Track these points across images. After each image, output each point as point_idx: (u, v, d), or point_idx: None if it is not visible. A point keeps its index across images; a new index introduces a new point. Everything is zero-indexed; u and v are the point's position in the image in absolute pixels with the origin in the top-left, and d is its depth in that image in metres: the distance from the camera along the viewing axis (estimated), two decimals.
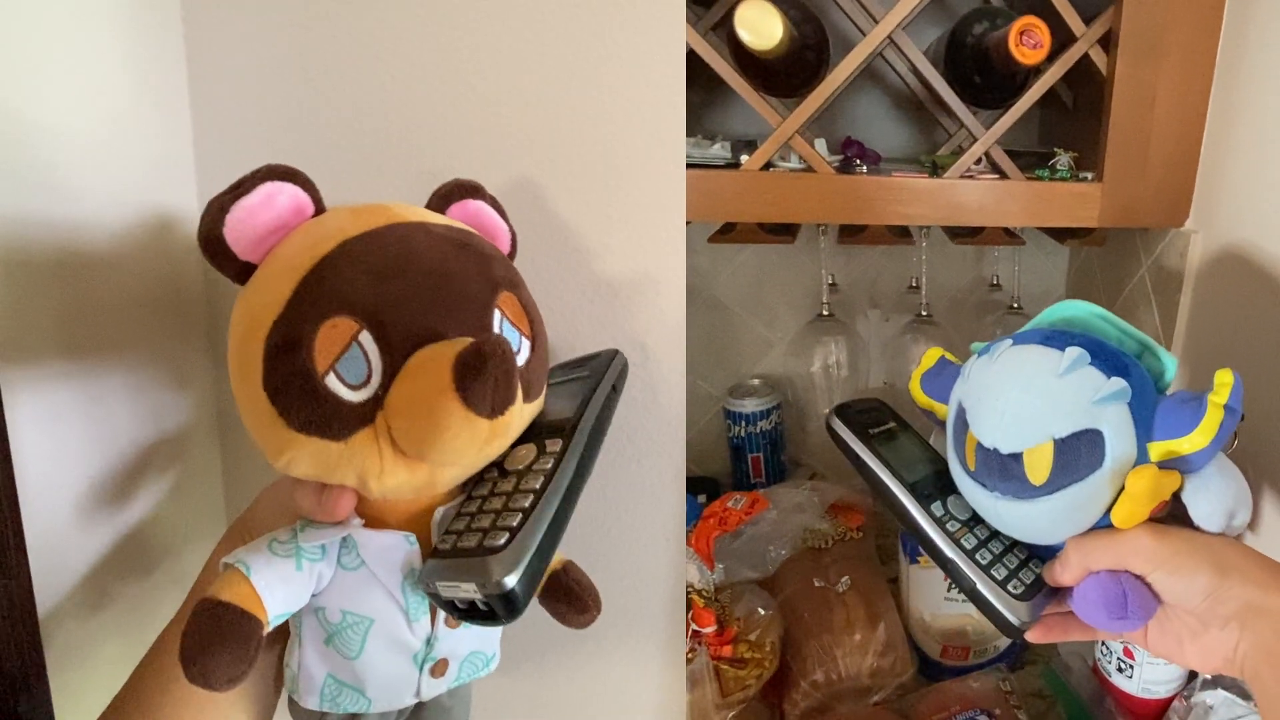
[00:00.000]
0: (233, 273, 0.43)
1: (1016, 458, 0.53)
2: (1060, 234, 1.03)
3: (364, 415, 0.41)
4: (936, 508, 0.59)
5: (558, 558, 0.54)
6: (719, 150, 0.81)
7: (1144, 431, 0.52)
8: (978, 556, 0.57)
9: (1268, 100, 0.73)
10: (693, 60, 0.72)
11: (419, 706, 0.52)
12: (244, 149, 0.62)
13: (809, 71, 0.88)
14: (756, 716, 0.93)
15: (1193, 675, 0.86)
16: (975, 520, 0.59)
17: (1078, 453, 0.51)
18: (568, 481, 0.46)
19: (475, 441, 0.43)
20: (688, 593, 0.90)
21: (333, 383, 0.41)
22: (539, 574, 0.44)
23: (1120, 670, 0.89)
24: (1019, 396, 0.53)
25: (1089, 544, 0.54)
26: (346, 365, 0.41)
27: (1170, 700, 0.87)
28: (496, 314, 0.46)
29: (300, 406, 0.41)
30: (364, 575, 0.46)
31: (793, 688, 0.93)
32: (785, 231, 1.02)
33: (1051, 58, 0.79)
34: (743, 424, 1.19)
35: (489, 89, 0.62)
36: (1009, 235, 1.02)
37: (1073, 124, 0.97)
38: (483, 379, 0.40)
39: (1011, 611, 0.55)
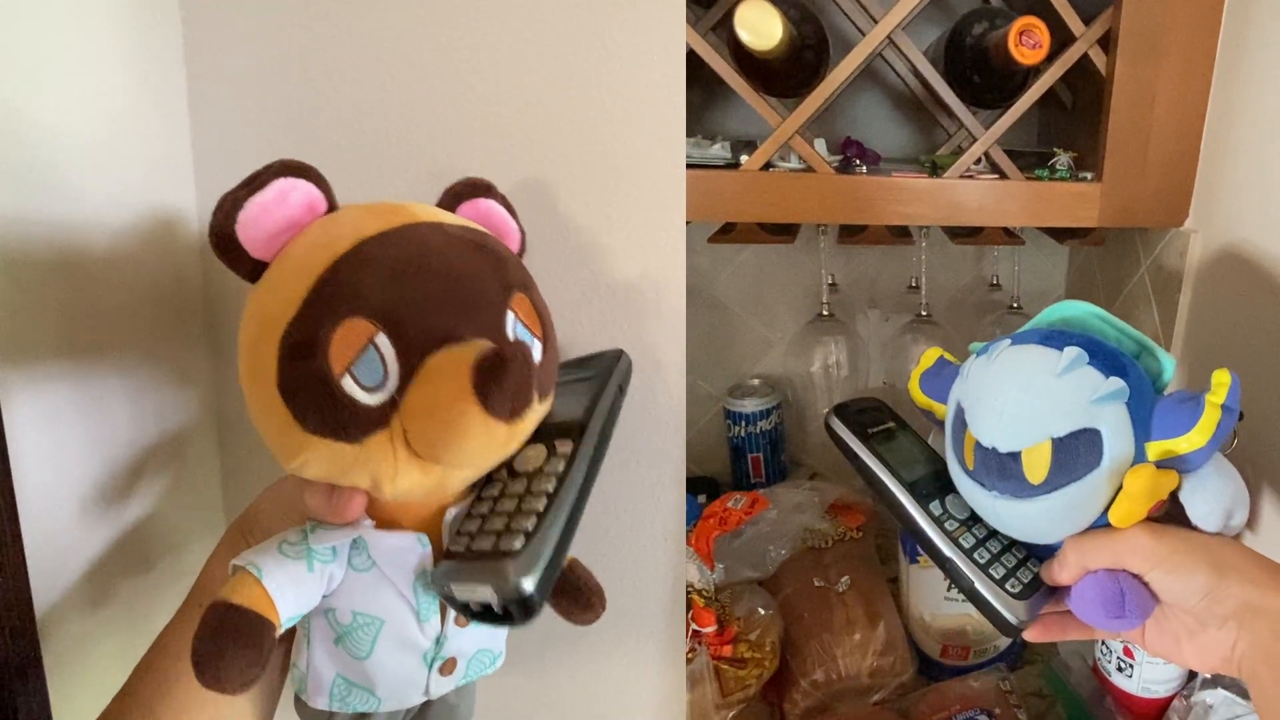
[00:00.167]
0: (245, 271, 0.42)
1: (1015, 457, 0.53)
2: (1060, 234, 1.03)
3: (380, 418, 0.41)
4: (935, 507, 0.59)
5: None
6: (719, 150, 0.81)
7: (1142, 431, 0.52)
8: (976, 555, 0.57)
9: (1267, 100, 0.73)
10: (692, 60, 0.72)
11: (425, 704, 0.52)
12: (243, 149, 0.62)
13: (809, 71, 0.88)
14: (756, 716, 0.94)
15: (1192, 675, 0.86)
16: (973, 519, 0.59)
17: (1076, 452, 0.51)
18: (579, 484, 0.46)
19: (492, 445, 0.43)
20: (688, 592, 0.90)
21: (349, 385, 0.40)
22: (554, 577, 0.43)
23: (1120, 670, 0.89)
24: (1017, 396, 0.53)
25: (1087, 543, 0.54)
26: (363, 368, 0.40)
27: (1170, 700, 0.87)
28: (510, 315, 0.46)
29: (316, 410, 0.40)
30: (375, 576, 0.46)
31: (793, 687, 0.93)
32: (785, 231, 1.02)
33: (1051, 58, 0.79)
34: (743, 424, 1.19)
35: (489, 89, 0.63)
36: (1008, 235, 1.02)
37: (1072, 124, 0.97)
38: (502, 385, 0.40)
39: (1009, 610, 0.55)
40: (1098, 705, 0.92)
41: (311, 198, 0.43)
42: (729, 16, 0.74)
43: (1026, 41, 0.76)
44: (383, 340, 0.40)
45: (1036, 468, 0.52)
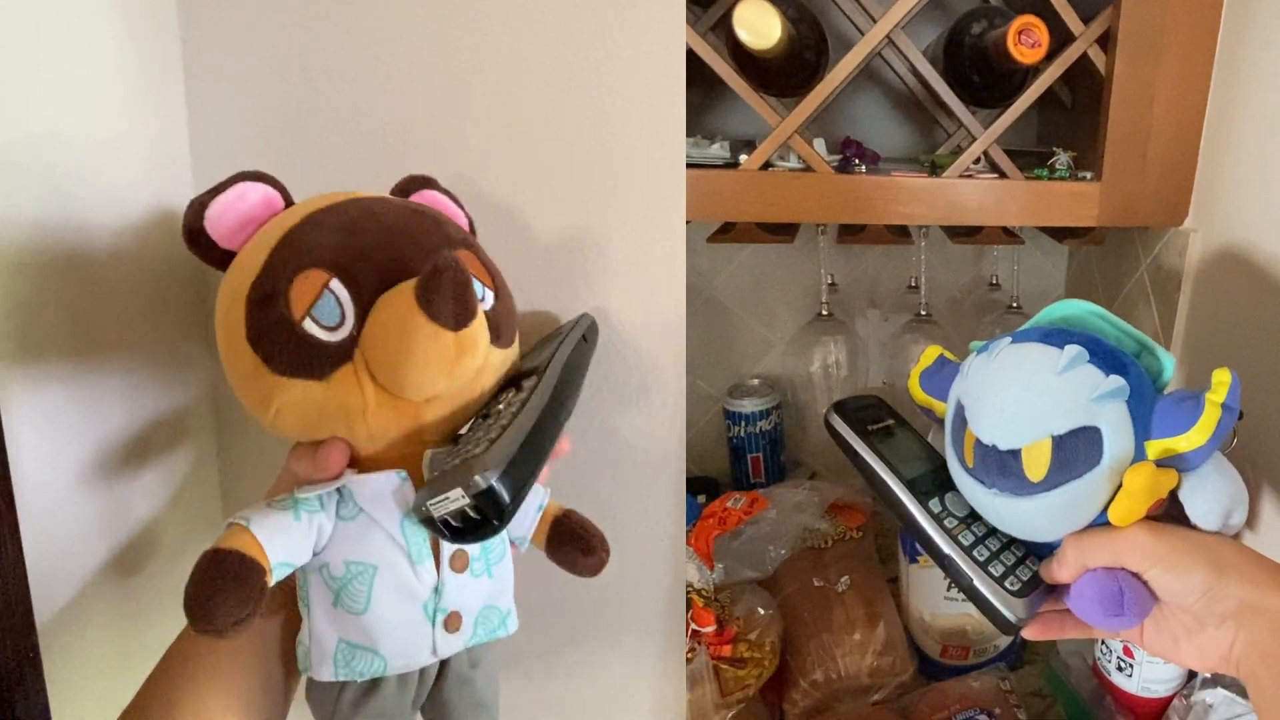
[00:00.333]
0: (215, 260, 0.47)
1: (1015, 454, 0.53)
2: (1059, 233, 1.04)
3: (342, 352, 0.45)
4: (934, 504, 0.59)
5: (557, 505, 0.57)
6: (718, 150, 0.81)
7: (1142, 429, 0.52)
8: (975, 553, 0.57)
9: (1266, 99, 0.73)
10: (692, 60, 0.72)
11: (439, 679, 0.53)
12: (241, 149, 0.62)
13: (808, 71, 0.89)
14: (756, 716, 0.93)
15: (1192, 674, 0.86)
16: (973, 517, 0.59)
17: (1076, 450, 0.52)
18: (544, 401, 0.48)
19: (444, 356, 0.45)
20: (687, 592, 0.90)
21: (310, 326, 0.44)
22: (522, 477, 0.44)
23: (1120, 669, 0.89)
24: (1018, 394, 0.53)
25: (1086, 541, 0.54)
26: (321, 310, 0.44)
27: (1170, 699, 0.87)
28: None
29: (281, 350, 0.44)
30: (363, 522, 0.48)
31: (792, 687, 0.93)
32: (784, 231, 1.02)
33: (1050, 57, 0.79)
34: (742, 424, 1.19)
35: (488, 89, 0.63)
36: (1008, 234, 1.02)
37: (1072, 123, 0.97)
38: (441, 290, 0.43)
39: (1008, 608, 0.55)
40: (1097, 705, 0.92)
41: (268, 195, 0.48)
42: (728, 16, 0.74)
43: (1025, 41, 0.76)
44: (337, 285, 0.45)
45: (1036, 465, 0.52)
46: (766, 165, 0.79)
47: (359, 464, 0.49)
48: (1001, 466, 0.53)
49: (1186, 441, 0.51)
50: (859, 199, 0.80)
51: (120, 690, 0.48)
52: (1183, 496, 0.53)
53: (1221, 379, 0.51)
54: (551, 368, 0.52)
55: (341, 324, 0.45)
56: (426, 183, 0.56)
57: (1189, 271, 0.83)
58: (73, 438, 0.54)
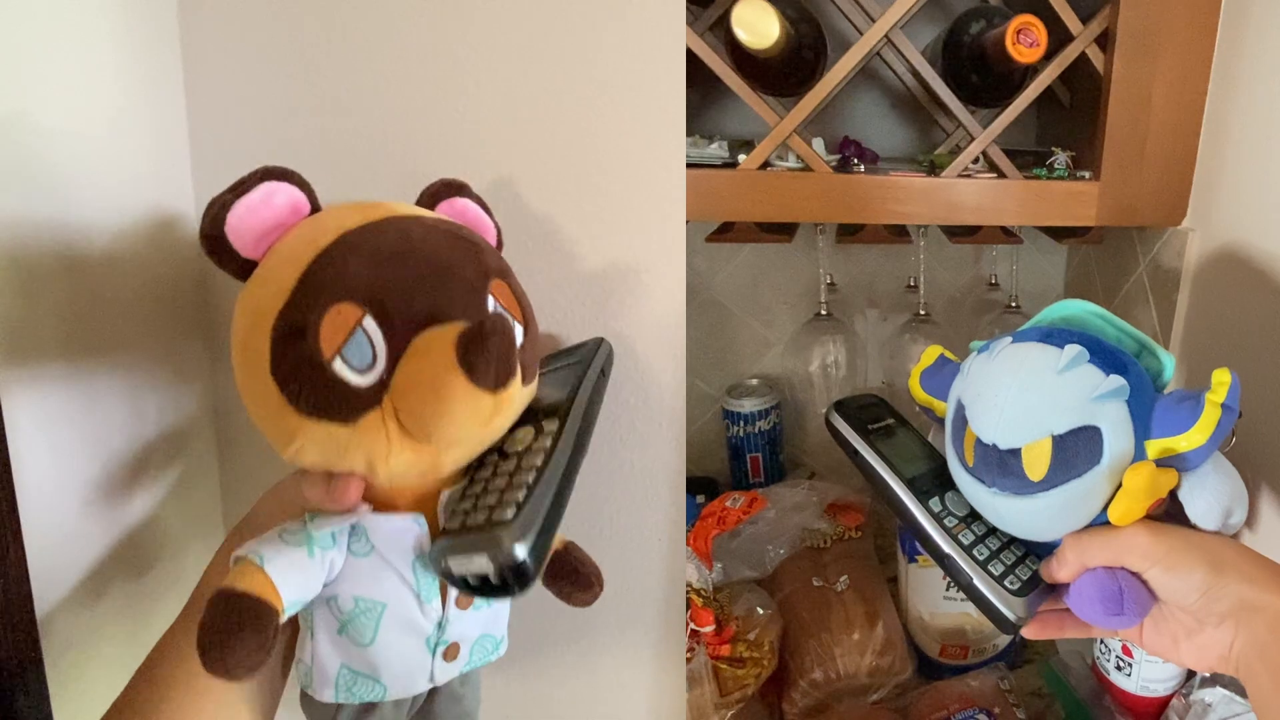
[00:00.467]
0: (234, 269, 0.44)
1: (1015, 454, 0.53)
2: (1058, 233, 1.04)
3: (371, 398, 0.43)
4: (934, 503, 0.59)
5: (559, 538, 0.55)
6: (716, 150, 0.81)
7: (1142, 429, 0.52)
8: (975, 552, 0.57)
9: (1264, 98, 0.73)
10: (690, 60, 0.72)
11: (431, 696, 0.52)
12: (240, 150, 0.62)
13: (806, 71, 0.89)
14: (755, 716, 0.94)
15: (1191, 673, 0.86)
16: (973, 516, 0.59)
17: (1076, 449, 0.52)
18: (568, 456, 0.48)
19: (479, 417, 0.44)
20: (686, 592, 0.90)
21: (339, 367, 0.42)
22: (547, 545, 0.44)
23: (1119, 668, 0.89)
24: (1018, 393, 0.53)
25: (1086, 540, 0.54)
26: (352, 349, 0.42)
27: (1169, 698, 0.87)
28: (490, 300, 0.48)
29: (309, 391, 0.42)
30: (375, 560, 0.47)
31: (791, 687, 0.93)
32: (783, 231, 1.02)
33: (1049, 57, 0.79)
34: (741, 424, 1.19)
35: (488, 89, 0.63)
36: (1007, 234, 1.02)
37: (1070, 123, 0.97)
38: (485, 353, 0.41)
39: (1008, 607, 0.55)
40: (1096, 704, 0.92)
41: (295, 199, 0.45)
42: (726, 16, 0.74)
43: (1024, 40, 0.76)
44: (370, 323, 0.42)
45: (1036, 465, 0.52)
46: (765, 165, 0.79)
47: (372, 497, 0.48)
48: (1002, 466, 0.53)
49: (1186, 441, 0.51)
50: (858, 198, 0.80)
51: (121, 688, 0.48)
52: (1182, 496, 0.53)
53: (1221, 379, 0.51)
54: (574, 412, 0.50)
55: (373, 366, 0.42)
56: (459, 189, 0.54)
57: (1187, 271, 0.83)
58: (74, 439, 0.54)
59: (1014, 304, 1.13)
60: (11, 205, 0.48)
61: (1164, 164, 0.81)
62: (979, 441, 0.55)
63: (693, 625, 0.91)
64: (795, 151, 0.79)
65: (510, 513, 0.43)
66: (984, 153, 0.81)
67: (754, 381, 1.23)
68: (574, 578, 0.54)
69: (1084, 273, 1.14)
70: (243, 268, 0.44)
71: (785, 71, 0.87)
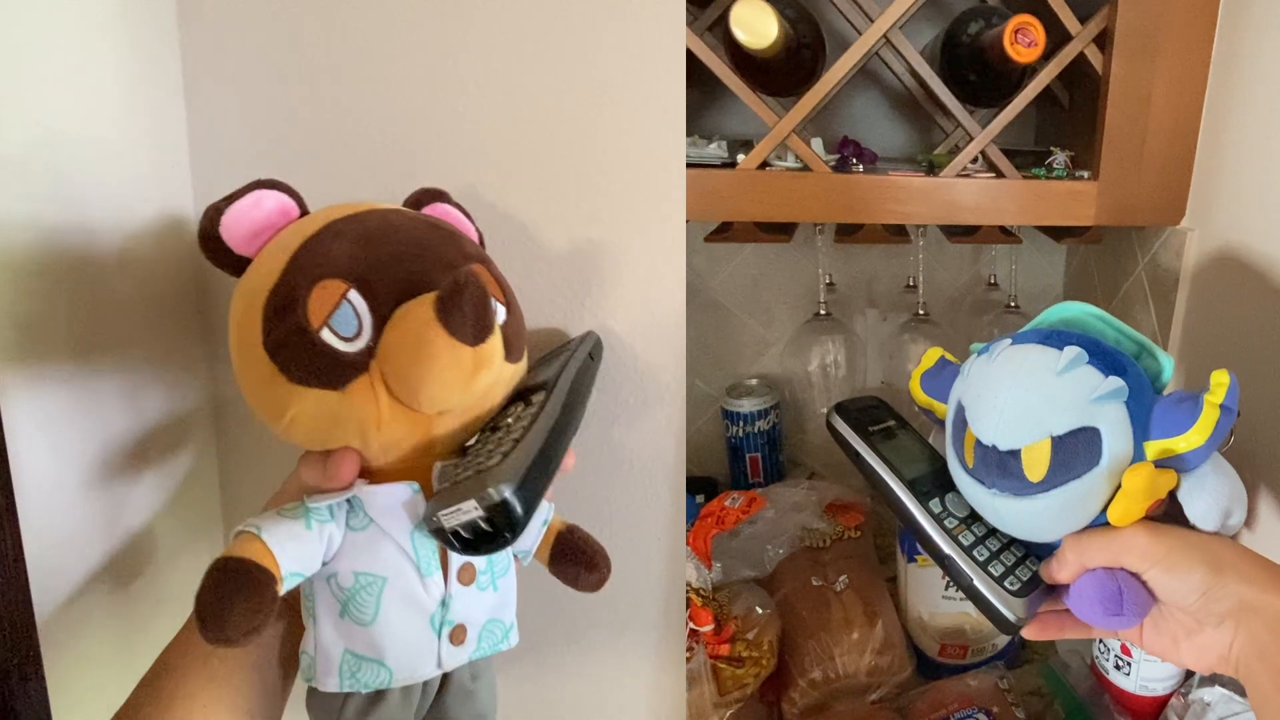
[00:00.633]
0: (230, 266, 0.47)
1: (1015, 455, 0.53)
2: (1057, 233, 1.04)
3: (359, 364, 0.45)
4: (935, 504, 0.60)
5: (560, 521, 0.57)
6: (715, 150, 0.81)
7: (1141, 430, 0.52)
8: (975, 553, 0.57)
9: (1263, 98, 0.73)
10: (689, 60, 0.72)
11: (442, 692, 0.52)
12: (239, 151, 0.62)
13: (805, 71, 0.89)
14: (754, 715, 0.94)
15: (1190, 673, 0.86)
16: (973, 517, 0.59)
17: (1075, 450, 0.52)
18: (554, 417, 0.49)
19: (461, 373, 0.45)
20: (685, 592, 0.91)
21: (327, 336, 0.44)
22: (534, 492, 0.45)
23: (1118, 668, 0.89)
24: (1018, 394, 0.53)
25: (1085, 541, 0.54)
26: (339, 320, 0.44)
27: (1168, 698, 0.88)
28: None
29: (299, 359, 0.44)
30: (373, 533, 0.48)
31: (791, 686, 0.93)
32: (782, 231, 1.02)
33: (1048, 56, 0.79)
34: (740, 424, 1.19)
35: (487, 90, 0.63)
36: (1005, 234, 1.02)
37: (1069, 123, 0.97)
38: (461, 307, 0.43)
39: (1007, 607, 0.55)
40: (1096, 703, 0.92)
41: (283, 203, 0.48)
42: (725, 16, 0.74)
43: (1021, 40, 0.76)
44: (354, 295, 0.45)
45: (1036, 466, 0.52)
46: (764, 165, 0.79)
47: (368, 474, 0.49)
48: (1001, 467, 0.54)
49: (1185, 442, 0.51)
50: (856, 198, 0.81)
51: (120, 690, 0.48)
52: (1181, 497, 0.53)
53: (1220, 380, 0.51)
54: (560, 384, 0.52)
55: (359, 334, 0.45)
56: (439, 196, 0.56)
57: (1186, 271, 0.83)
58: (73, 438, 0.54)
59: (1013, 304, 1.13)
60: (11, 206, 0.48)
61: (1162, 163, 0.81)
62: (979, 443, 0.55)
63: (692, 625, 0.91)
64: (794, 151, 0.79)
65: (495, 460, 0.44)
66: (983, 152, 0.81)
67: (753, 381, 1.23)
68: (578, 558, 0.55)
69: (1083, 272, 1.14)
70: (238, 265, 0.47)
71: (784, 71, 0.87)
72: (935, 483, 0.61)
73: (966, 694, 0.91)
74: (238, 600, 0.41)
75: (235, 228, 0.46)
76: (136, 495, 0.60)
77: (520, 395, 0.52)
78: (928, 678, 0.99)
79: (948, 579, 0.58)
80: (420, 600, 0.49)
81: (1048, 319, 0.60)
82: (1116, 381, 0.51)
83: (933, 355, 0.63)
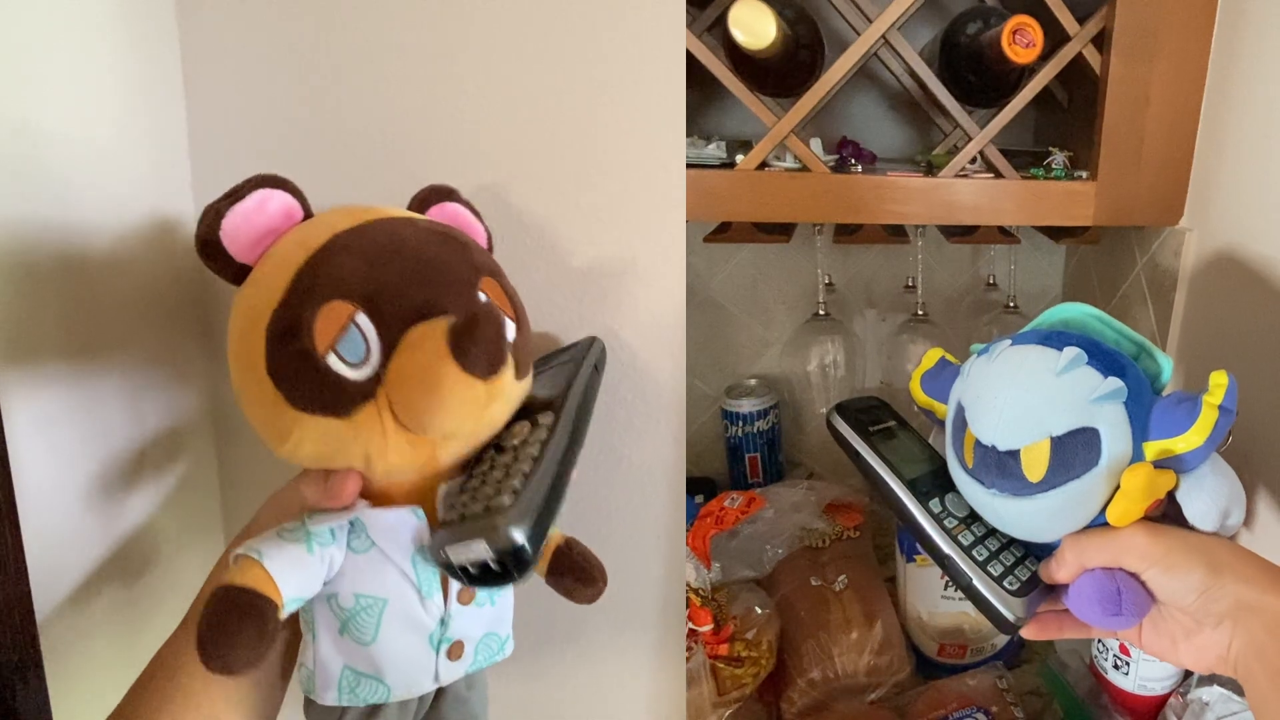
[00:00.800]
0: (229, 275, 0.45)
1: (1014, 455, 0.53)
2: (1056, 233, 1.04)
3: (365, 391, 0.43)
4: (934, 504, 0.60)
5: (559, 535, 0.55)
6: (714, 150, 0.81)
7: (1140, 431, 0.53)
8: (974, 553, 0.57)
9: (1261, 98, 0.74)
10: (688, 61, 0.72)
11: (437, 699, 0.52)
12: (239, 152, 0.62)
13: (804, 71, 0.89)
14: (753, 715, 0.94)
15: (1188, 672, 0.86)
16: (972, 517, 0.59)
17: (1074, 450, 0.52)
18: (564, 445, 0.48)
19: (473, 406, 0.44)
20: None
21: (333, 361, 0.42)
22: (545, 530, 0.44)
23: (1116, 667, 0.89)
24: (1017, 394, 0.53)
25: (1084, 541, 0.54)
26: (345, 345, 0.43)
27: (1166, 697, 0.88)
28: (481, 295, 0.48)
29: (303, 386, 0.43)
30: (374, 556, 0.47)
31: (789, 686, 0.93)
32: (781, 231, 1.02)
33: (1046, 57, 0.79)
34: (739, 424, 1.19)
35: (488, 90, 0.63)
36: (1004, 234, 1.02)
37: (1067, 123, 0.97)
38: (476, 341, 0.42)
39: (1007, 607, 0.55)
40: (1094, 703, 0.92)
41: (288, 206, 0.46)
42: (724, 17, 0.74)
43: (1020, 40, 0.76)
44: (362, 319, 0.43)
45: (1035, 466, 0.52)
46: (763, 165, 0.79)
47: (369, 494, 0.48)
48: (1001, 467, 0.54)
49: (1184, 443, 0.51)
50: (855, 199, 0.81)
51: (121, 690, 0.48)
52: (1180, 497, 0.53)
53: (1218, 381, 0.52)
54: (568, 406, 0.51)
55: (366, 360, 0.43)
56: (448, 195, 0.55)
57: (1184, 271, 0.84)
58: (73, 440, 0.54)
59: (1012, 304, 1.13)
60: (11, 207, 0.48)
61: (1161, 164, 0.82)
62: (978, 443, 0.55)
63: (690, 624, 0.91)
64: (793, 152, 0.79)
65: (507, 499, 0.44)
66: (981, 153, 0.81)
67: (752, 382, 1.23)
68: (576, 573, 0.54)
69: (1082, 272, 1.14)
70: (238, 273, 0.45)
71: (783, 72, 0.87)
72: (935, 483, 0.61)
73: (965, 694, 0.91)
74: (241, 632, 0.40)
75: (238, 234, 0.44)
76: (136, 495, 0.60)
77: (526, 411, 0.51)
78: (926, 678, 0.99)
79: (947, 579, 0.58)
80: (420, 621, 0.48)
81: (1047, 320, 0.60)
82: (1116, 382, 0.51)
83: (933, 356, 0.63)
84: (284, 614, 0.43)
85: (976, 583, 0.56)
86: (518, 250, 0.64)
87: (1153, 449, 0.52)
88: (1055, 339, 0.55)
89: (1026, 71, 0.84)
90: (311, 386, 0.42)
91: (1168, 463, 0.52)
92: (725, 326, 1.22)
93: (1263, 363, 0.72)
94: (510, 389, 0.47)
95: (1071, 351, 0.52)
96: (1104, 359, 0.53)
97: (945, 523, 0.59)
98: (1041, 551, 0.58)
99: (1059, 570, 0.56)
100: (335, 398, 0.43)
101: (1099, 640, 0.92)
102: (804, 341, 1.18)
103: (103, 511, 0.57)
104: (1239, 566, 0.51)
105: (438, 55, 0.62)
